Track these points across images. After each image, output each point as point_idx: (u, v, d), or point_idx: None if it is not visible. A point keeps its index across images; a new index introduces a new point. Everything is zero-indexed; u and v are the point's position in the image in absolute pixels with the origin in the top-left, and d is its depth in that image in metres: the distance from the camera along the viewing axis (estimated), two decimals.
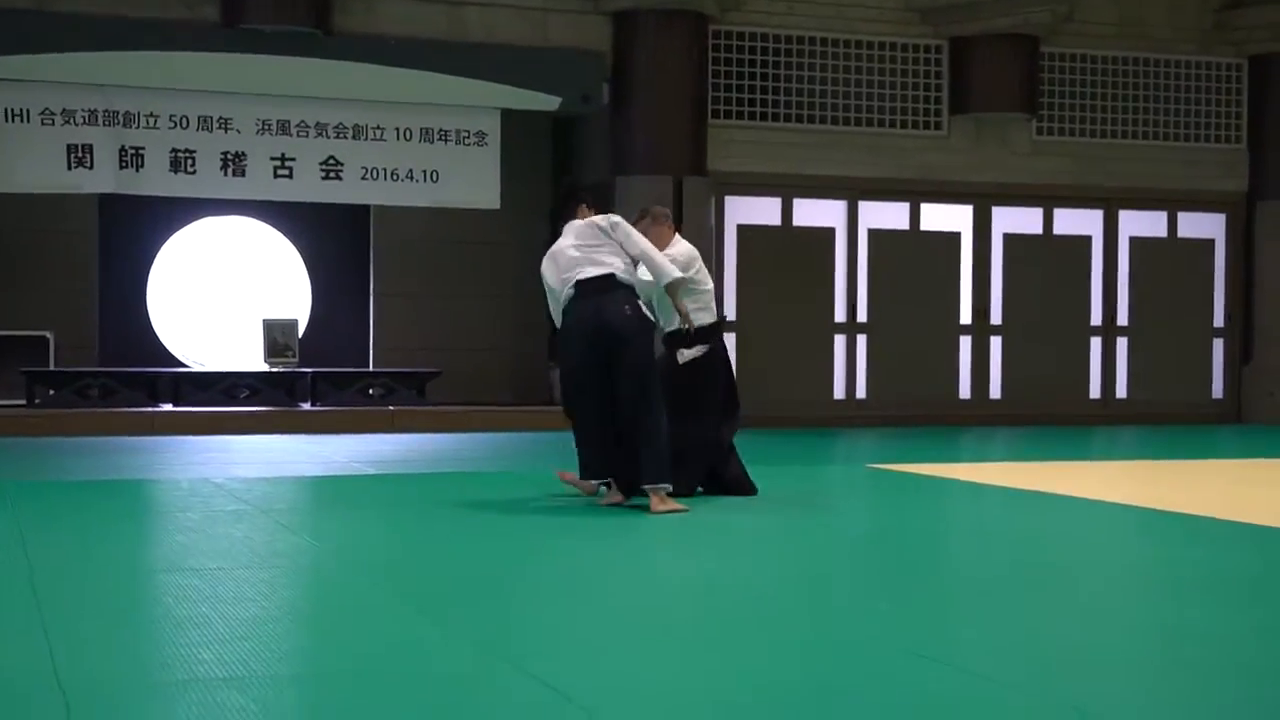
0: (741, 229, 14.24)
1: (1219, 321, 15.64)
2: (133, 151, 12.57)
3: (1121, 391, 15.40)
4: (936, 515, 7.64)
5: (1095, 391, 15.34)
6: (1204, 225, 15.61)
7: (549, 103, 13.41)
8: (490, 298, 14.82)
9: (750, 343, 14.19)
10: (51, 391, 12.83)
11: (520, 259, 14.92)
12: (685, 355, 7.50)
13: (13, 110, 12.24)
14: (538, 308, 14.88)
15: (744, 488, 7.68)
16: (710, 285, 7.72)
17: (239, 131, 12.81)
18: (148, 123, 12.58)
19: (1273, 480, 9.54)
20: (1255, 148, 15.40)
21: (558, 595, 5.04)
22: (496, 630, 4.32)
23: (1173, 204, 15.44)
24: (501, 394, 14.62)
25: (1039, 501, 7.92)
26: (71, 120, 12.38)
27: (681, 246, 7.66)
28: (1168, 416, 15.23)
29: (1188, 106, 15.28)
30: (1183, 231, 15.58)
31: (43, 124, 12.30)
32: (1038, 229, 15.16)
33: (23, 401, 12.78)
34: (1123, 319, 15.38)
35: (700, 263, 7.66)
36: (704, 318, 7.57)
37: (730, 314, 14.17)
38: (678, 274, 7.24)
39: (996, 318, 15.00)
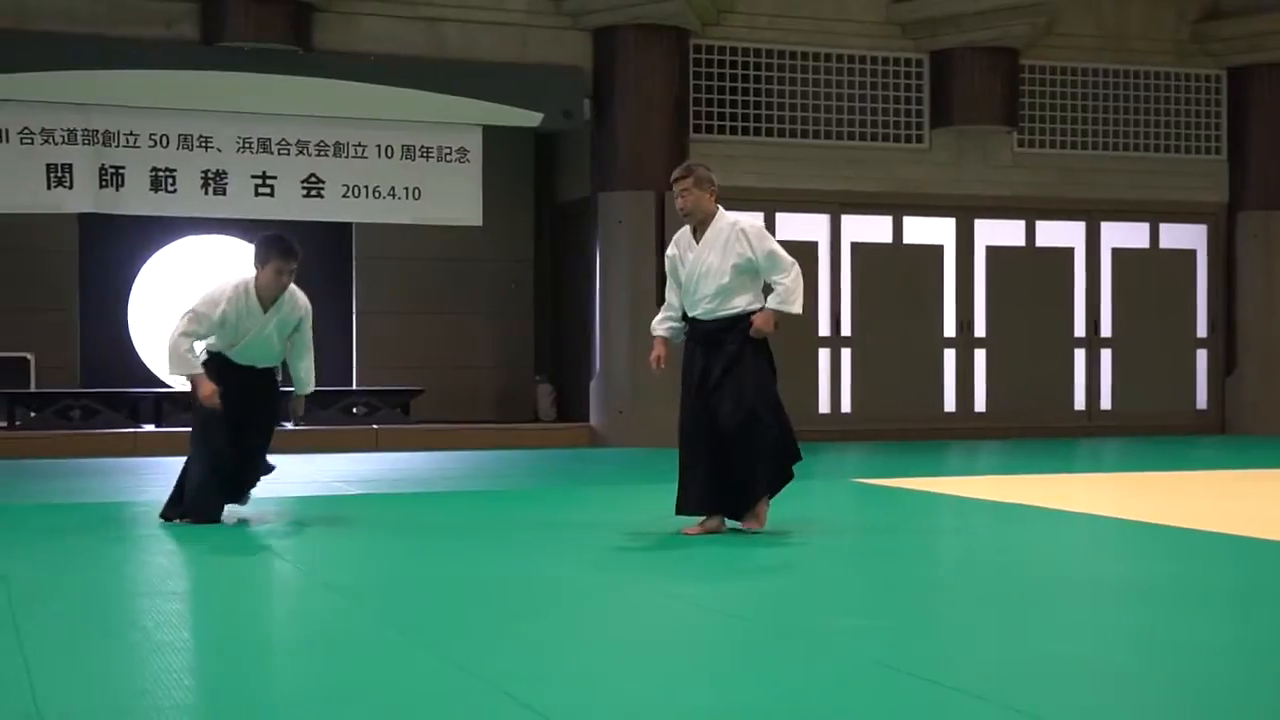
0: None
1: (1202, 332, 15.67)
2: (113, 171, 12.52)
3: (1106, 403, 15.41)
4: (918, 531, 7.62)
5: (1080, 403, 15.33)
6: (1186, 236, 15.65)
7: (530, 119, 13.39)
8: (473, 314, 14.78)
9: None
10: (32, 413, 12.76)
11: (503, 275, 14.93)
12: None
13: None
14: (520, 323, 15.02)
15: None
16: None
17: (219, 150, 12.76)
18: (127, 141, 12.52)
19: (1255, 492, 9.55)
20: (1235, 159, 15.45)
21: (535, 616, 5.02)
22: (477, 651, 4.29)
23: (1154, 215, 15.48)
24: (485, 412, 14.58)
25: (1022, 514, 7.91)
26: (51, 140, 12.32)
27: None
28: (1152, 427, 15.25)
29: (1168, 118, 15.33)
30: (1165, 242, 15.61)
31: (21, 143, 12.23)
32: (1020, 241, 15.18)
33: (4, 424, 12.70)
34: (1106, 330, 15.40)
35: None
36: None
37: None
38: None
39: (980, 330, 15.00)
